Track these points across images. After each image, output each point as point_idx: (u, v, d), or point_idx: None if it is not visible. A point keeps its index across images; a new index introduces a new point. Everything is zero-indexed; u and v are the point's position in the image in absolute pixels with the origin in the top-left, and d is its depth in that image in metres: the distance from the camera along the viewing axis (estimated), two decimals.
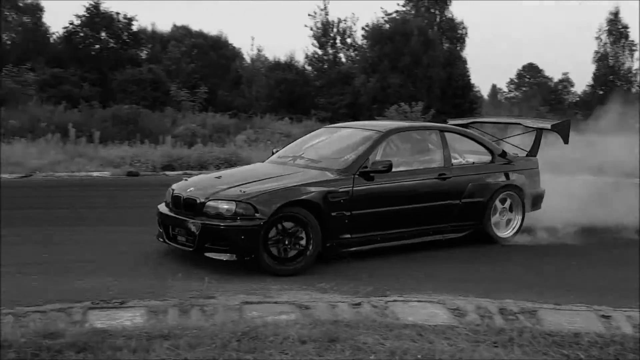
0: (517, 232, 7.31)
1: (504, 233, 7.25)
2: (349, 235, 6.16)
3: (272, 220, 5.69)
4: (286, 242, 5.77)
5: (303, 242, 5.82)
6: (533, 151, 7.77)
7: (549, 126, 7.81)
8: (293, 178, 6.25)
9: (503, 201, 7.28)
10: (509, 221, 7.31)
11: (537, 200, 7.54)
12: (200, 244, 5.75)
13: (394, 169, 6.40)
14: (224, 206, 5.75)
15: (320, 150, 7.05)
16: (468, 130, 7.90)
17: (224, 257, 5.71)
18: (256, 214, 5.66)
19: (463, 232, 7.00)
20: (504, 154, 7.45)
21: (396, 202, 6.50)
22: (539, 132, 7.78)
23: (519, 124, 8.28)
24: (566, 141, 7.87)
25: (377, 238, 6.41)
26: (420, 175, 6.77)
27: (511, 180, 7.30)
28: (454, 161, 7.05)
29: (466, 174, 7.06)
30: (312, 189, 5.99)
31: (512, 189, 7.30)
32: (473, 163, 7.28)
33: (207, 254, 5.74)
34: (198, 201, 5.88)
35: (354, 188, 6.18)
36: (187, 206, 5.96)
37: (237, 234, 5.64)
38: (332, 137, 7.45)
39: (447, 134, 7.16)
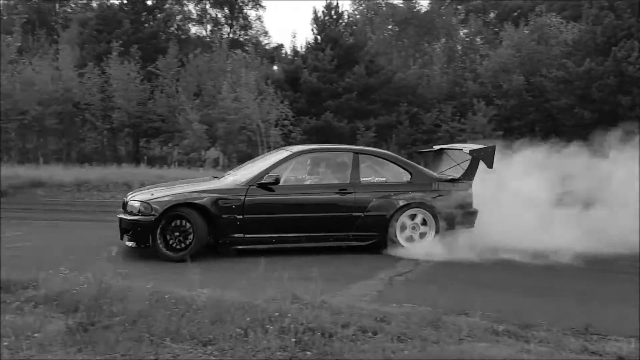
0: (431, 245, 7.92)
1: (416, 245, 7.96)
2: (241, 235, 7.56)
3: (165, 218, 7.37)
4: (176, 235, 7.39)
5: (191, 236, 7.36)
6: (467, 174, 8.36)
7: (467, 151, 8.51)
8: (196, 187, 7.91)
9: (413, 217, 8.08)
10: (422, 235, 8.05)
11: (465, 219, 8.17)
12: (121, 234, 7.68)
13: (296, 183, 8.12)
14: (134, 205, 7.56)
15: (252, 167, 8.50)
16: (386, 152, 9.18)
17: (130, 244, 7.52)
18: (152, 212, 7.36)
19: (367, 242, 7.94)
20: (430, 176, 8.38)
21: (293, 210, 7.75)
22: (475, 156, 8.35)
23: (460, 149, 8.96)
24: (490, 166, 8.40)
25: (272, 239, 7.66)
26: (320, 190, 8.07)
27: (421, 198, 8.11)
28: (363, 179, 8.13)
29: (372, 191, 8.07)
30: (205, 195, 7.56)
31: (422, 207, 8.08)
32: (385, 181, 8.26)
33: (124, 241, 7.60)
34: (124, 201, 7.92)
35: (247, 197, 7.61)
36: (122, 205, 7.92)
37: (137, 226, 7.42)
38: (269, 157, 8.87)
39: (361, 156, 8.32)
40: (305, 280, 5.57)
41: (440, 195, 8.19)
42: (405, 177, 8.30)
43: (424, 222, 8.09)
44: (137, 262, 7.15)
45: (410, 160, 9.17)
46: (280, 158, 8.23)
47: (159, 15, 26.65)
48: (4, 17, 29.32)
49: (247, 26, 40.70)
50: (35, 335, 4.31)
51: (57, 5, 33.72)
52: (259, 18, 45.31)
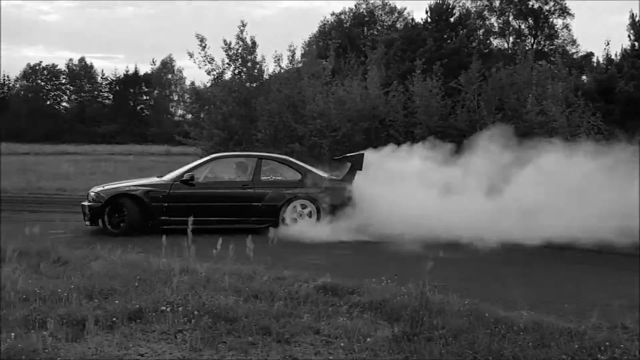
0: (312, 228, 10.22)
1: (300, 227, 10.26)
2: (167, 218, 10.21)
3: (109, 204, 10.33)
4: (116, 217, 10.34)
5: (131, 219, 10.02)
6: (348, 175, 10.87)
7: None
8: (137, 182, 11.18)
9: (304, 207, 10.62)
10: (309, 222, 10.42)
11: (344, 209, 10.33)
12: (84, 217, 10.67)
13: (210, 180, 11.00)
14: (91, 194, 10.72)
15: (182, 168, 11.34)
16: (284, 157, 12.05)
17: (87, 223, 10.58)
18: (100, 200, 10.45)
19: (264, 225, 10.11)
20: (316, 175, 10.96)
21: (207, 200, 10.31)
22: (361, 161, 10.83)
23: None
24: (359, 169, 10.80)
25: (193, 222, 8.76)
26: (228, 185, 10.96)
27: (305, 192, 10.64)
28: (263, 178, 10.89)
29: (267, 187, 10.76)
30: (140, 188, 10.65)
31: (306, 198, 10.63)
32: (280, 179, 11.01)
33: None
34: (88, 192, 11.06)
35: (171, 190, 10.56)
36: (86, 196, 11.03)
37: (90, 210, 10.48)
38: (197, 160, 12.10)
39: (263, 160, 11.21)
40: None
41: (323, 191, 10.67)
42: (297, 176, 10.94)
43: (309, 211, 10.60)
44: (451, 277, 7.18)
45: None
46: (201, 161, 11.61)
47: (461, 31, 26.81)
48: (320, 43, 32.32)
49: (552, 36, 38.89)
50: (368, 339, 4.51)
51: (365, 29, 36.11)
52: (566, 26, 43.04)
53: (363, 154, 11.11)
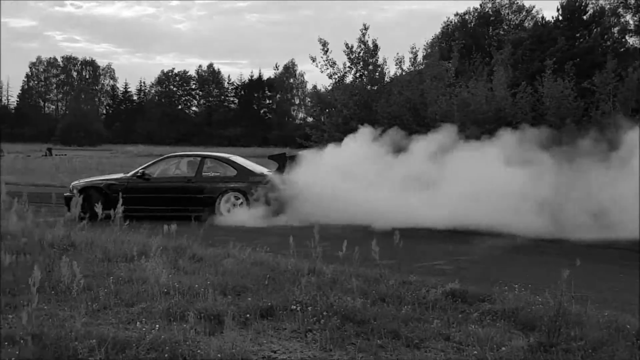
0: (243, 216, 11.84)
1: (235, 217, 12.04)
2: (124, 207, 9.67)
3: (82, 195, 9.84)
4: (86, 205, 10.02)
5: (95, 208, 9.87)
6: (276, 172, 12.81)
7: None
8: (104, 177, 14.11)
9: (237, 198, 12.45)
10: (241, 210, 12.19)
11: (272, 201, 12.14)
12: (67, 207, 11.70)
13: (162, 176, 13.05)
14: (70, 187, 12.91)
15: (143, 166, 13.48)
16: (222, 156, 13.64)
17: (68, 212, 10.22)
18: (74, 191, 11.74)
19: (203, 213, 11.66)
20: (248, 171, 12.90)
21: (158, 192, 11.77)
22: (285, 159, 12.91)
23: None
24: (282, 168, 12.84)
25: (145, 211, 11.07)
26: (175, 180, 12.92)
27: (237, 186, 12.53)
28: (204, 174, 12.83)
29: (206, 181, 12.70)
30: (104, 182, 13.04)
31: (237, 191, 12.50)
32: (218, 175, 12.85)
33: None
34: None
35: (128, 184, 12.57)
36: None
37: (67, 201, 11.70)
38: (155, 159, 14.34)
39: (206, 159, 13.19)
40: None
41: (253, 185, 12.45)
42: (232, 173, 12.87)
43: (241, 202, 12.44)
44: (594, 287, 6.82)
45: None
46: (157, 160, 13.84)
47: (595, 29, 25.45)
48: (442, 44, 31.80)
49: None
50: (502, 348, 4.38)
51: (490, 29, 35.17)
52: None
53: (285, 154, 13.61)
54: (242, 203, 12.43)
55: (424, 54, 28.53)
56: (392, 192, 11.94)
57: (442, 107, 20.83)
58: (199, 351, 4.37)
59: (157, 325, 4.83)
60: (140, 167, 13.34)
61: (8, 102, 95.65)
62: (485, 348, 4.43)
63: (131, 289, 5.97)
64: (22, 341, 4.35)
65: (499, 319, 5.16)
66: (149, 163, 13.67)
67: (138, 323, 4.99)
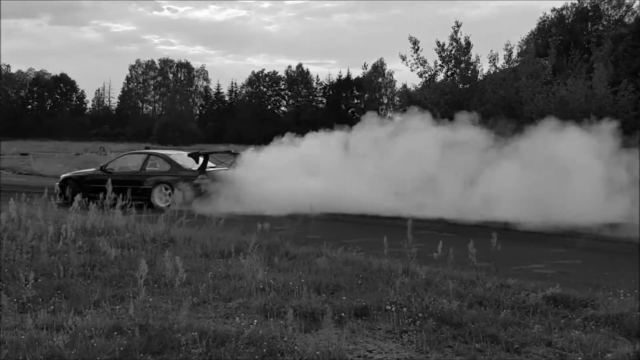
0: (170, 205, 12.67)
1: (164, 205, 13.78)
2: (93, 194, 11.95)
3: (63, 185, 14.85)
4: (64, 194, 13.70)
5: (65, 194, 12.92)
6: (201, 168, 14.49)
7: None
8: (80, 171, 16.72)
9: (167, 189, 14.41)
10: (167, 200, 14.09)
11: (197, 193, 13.85)
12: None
13: (120, 169, 15.54)
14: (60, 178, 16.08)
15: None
16: (161, 153, 16.04)
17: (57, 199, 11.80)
18: (59, 182, 15.44)
19: (143, 202, 12.91)
20: (179, 167, 14.76)
21: (114, 183, 10.52)
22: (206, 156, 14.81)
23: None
24: (196, 163, 14.80)
25: (104, 196, 10.77)
26: (126, 173, 15.21)
27: (168, 179, 14.48)
28: (148, 168, 15.07)
29: (147, 175, 14.79)
30: (77, 175, 15.87)
31: (167, 184, 14.42)
32: (154, 170, 15.14)
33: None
34: None
35: (94, 175, 15.15)
36: None
37: (55, 190, 14.52)
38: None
39: (151, 156, 15.48)
40: None
41: (182, 179, 14.14)
42: (167, 167, 14.83)
43: (169, 193, 14.14)
44: None
45: None
46: (119, 156, 17.02)
47: None
48: (538, 41, 30.79)
49: None
50: (607, 355, 4.20)
51: (589, 25, 33.76)
52: None
53: (198, 152, 15.35)
54: (170, 194, 14.14)
55: (519, 51, 27.75)
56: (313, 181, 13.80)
57: (539, 106, 20.16)
58: (295, 347, 4.43)
59: (255, 321, 4.94)
60: (107, 162, 16.07)
61: (110, 103, 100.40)
62: (589, 354, 4.26)
63: (228, 284, 6.13)
64: (129, 331, 4.56)
65: (603, 325, 4.95)
66: (114, 158, 16.60)
67: (237, 318, 5.12)
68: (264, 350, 4.37)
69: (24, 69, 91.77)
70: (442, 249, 6.28)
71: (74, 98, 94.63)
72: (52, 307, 5.20)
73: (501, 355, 4.48)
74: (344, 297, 5.62)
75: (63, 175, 16.29)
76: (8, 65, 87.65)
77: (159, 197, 14.44)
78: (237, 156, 15.40)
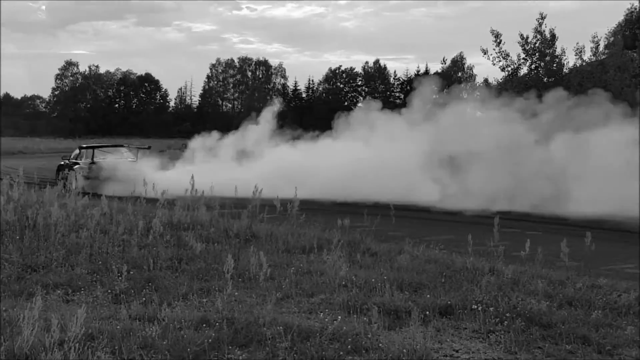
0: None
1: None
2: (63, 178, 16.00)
3: (59, 169, 19.94)
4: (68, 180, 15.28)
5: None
6: (90, 159, 18.30)
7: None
8: (64, 160, 20.74)
9: (73, 175, 16.80)
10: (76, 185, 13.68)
11: (93, 181, 16.98)
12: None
13: (72, 159, 19.70)
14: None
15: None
16: (88, 146, 19.50)
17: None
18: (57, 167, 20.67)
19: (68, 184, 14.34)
20: (85, 157, 18.68)
21: (69, 169, 16.68)
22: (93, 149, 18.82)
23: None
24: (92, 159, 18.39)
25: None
26: (71, 163, 19.05)
27: (73, 167, 18.08)
28: (75, 160, 19.08)
29: (71, 165, 18.67)
30: (64, 162, 20.01)
31: (74, 171, 17.49)
32: (75, 160, 19.05)
33: None
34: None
35: (68, 163, 19.15)
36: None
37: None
38: None
39: (82, 149, 19.20)
40: None
41: (84, 168, 17.61)
42: (83, 158, 18.55)
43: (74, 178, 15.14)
44: None
45: None
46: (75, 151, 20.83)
47: None
48: (626, 33, 29.27)
49: None
50: None
51: None
52: None
53: (92, 146, 19.02)
54: (76, 179, 16.30)
55: (606, 43, 26.60)
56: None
57: (628, 100, 19.28)
58: (380, 345, 4.42)
59: (339, 317, 4.95)
60: (72, 155, 19.83)
61: (191, 101, 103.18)
62: None
63: (310, 280, 6.18)
64: (217, 324, 4.67)
65: None
66: (78, 153, 19.55)
67: (320, 314, 5.15)
68: (349, 346, 4.38)
69: (112, 69, 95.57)
70: (529, 247, 6.12)
71: (158, 96, 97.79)
72: (143, 298, 5.39)
73: (593, 357, 4.32)
74: (428, 296, 5.56)
75: (59, 163, 20.27)
76: (97, 66, 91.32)
77: (69, 181, 16.24)
78: (133, 150, 19.82)
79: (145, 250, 7.17)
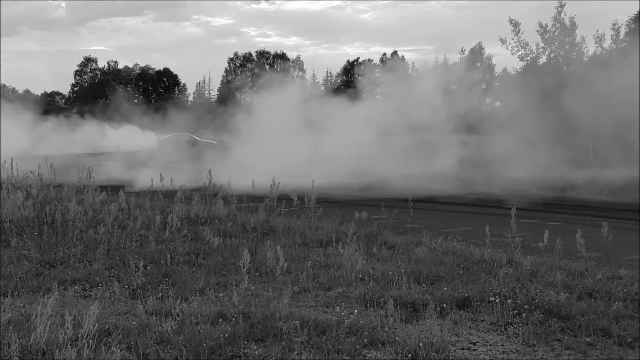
0: None
1: None
2: None
3: None
4: None
5: None
6: None
7: None
8: None
9: None
10: None
11: None
12: None
13: None
14: None
15: None
16: None
17: None
18: None
19: None
20: None
21: None
22: None
23: None
24: None
25: None
26: None
27: None
28: None
29: None
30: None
31: None
32: None
33: None
34: None
35: None
36: None
37: None
38: None
39: None
40: None
41: None
42: None
43: None
44: None
45: None
46: None
47: None
48: None
49: None
50: None
51: None
52: None
53: None
54: None
55: (627, 30, 26.18)
56: None
57: None
58: (397, 338, 4.39)
59: (355, 310, 4.93)
60: None
61: (210, 95, 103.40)
62: None
63: (327, 273, 6.16)
64: (233, 319, 4.67)
65: None
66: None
67: (337, 307, 5.13)
68: (365, 340, 4.36)
69: (130, 65, 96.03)
70: (547, 238, 6.04)
71: (176, 91, 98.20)
72: (160, 293, 5.41)
73: (613, 349, 4.25)
74: (445, 288, 5.51)
75: None
76: (115, 62, 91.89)
77: None
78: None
79: (163, 245, 7.20)
